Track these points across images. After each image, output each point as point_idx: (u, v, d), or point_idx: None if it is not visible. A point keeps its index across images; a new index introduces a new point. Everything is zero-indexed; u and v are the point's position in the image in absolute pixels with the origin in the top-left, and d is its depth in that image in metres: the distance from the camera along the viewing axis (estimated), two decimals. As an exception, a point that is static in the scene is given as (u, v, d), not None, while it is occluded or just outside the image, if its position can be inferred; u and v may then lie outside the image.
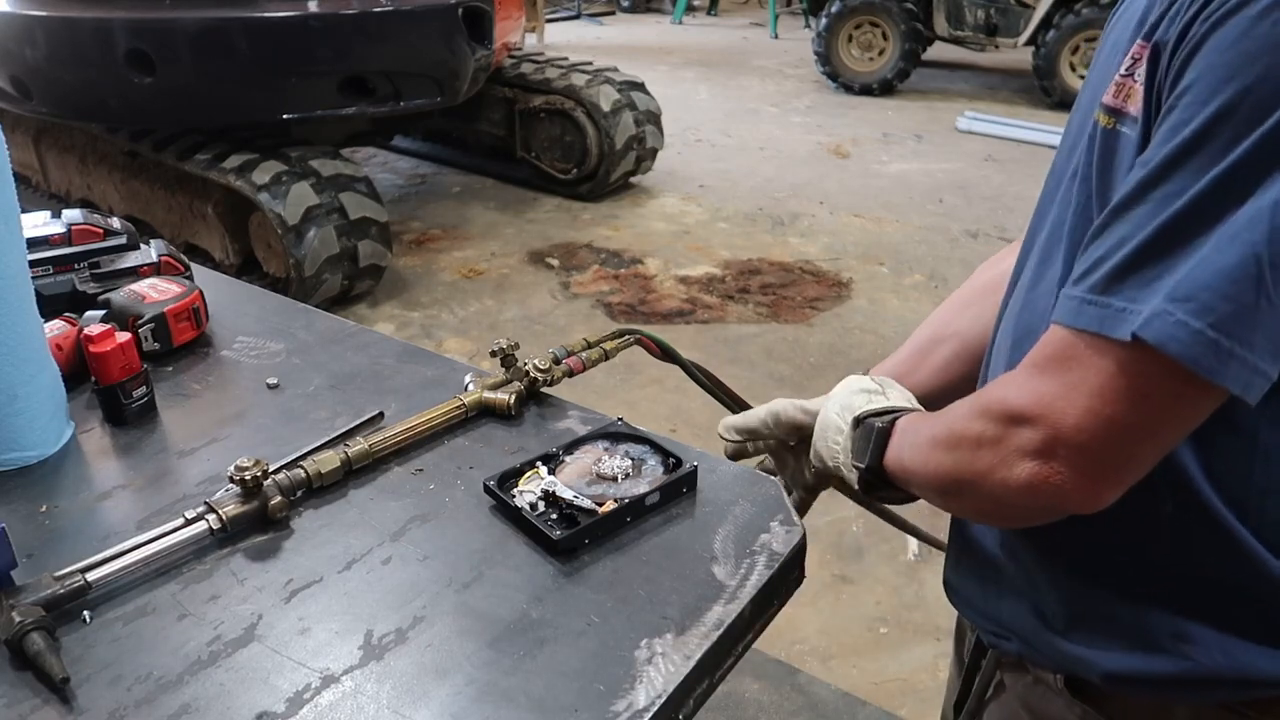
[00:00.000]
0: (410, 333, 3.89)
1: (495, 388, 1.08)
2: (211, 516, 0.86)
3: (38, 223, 1.32)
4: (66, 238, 1.31)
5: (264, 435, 1.05)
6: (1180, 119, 0.60)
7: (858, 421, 0.89)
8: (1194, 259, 0.58)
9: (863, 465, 0.86)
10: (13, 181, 0.97)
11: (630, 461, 0.96)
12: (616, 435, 1.01)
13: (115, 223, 1.39)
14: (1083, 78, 7.65)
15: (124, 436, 1.05)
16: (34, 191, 5.13)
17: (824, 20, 8.02)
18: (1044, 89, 7.36)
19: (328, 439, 0.99)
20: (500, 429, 1.06)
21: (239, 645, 0.76)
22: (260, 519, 0.88)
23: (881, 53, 7.98)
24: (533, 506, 0.89)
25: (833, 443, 0.92)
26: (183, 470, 0.99)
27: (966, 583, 0.93)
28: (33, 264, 1.07)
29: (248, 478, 0.86)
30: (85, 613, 0.78)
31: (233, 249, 4.15)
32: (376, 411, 1.06)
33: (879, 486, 0.87)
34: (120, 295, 1.21)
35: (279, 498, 0.88)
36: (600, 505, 0.89)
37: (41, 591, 0.76)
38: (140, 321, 1.17)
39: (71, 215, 1.35)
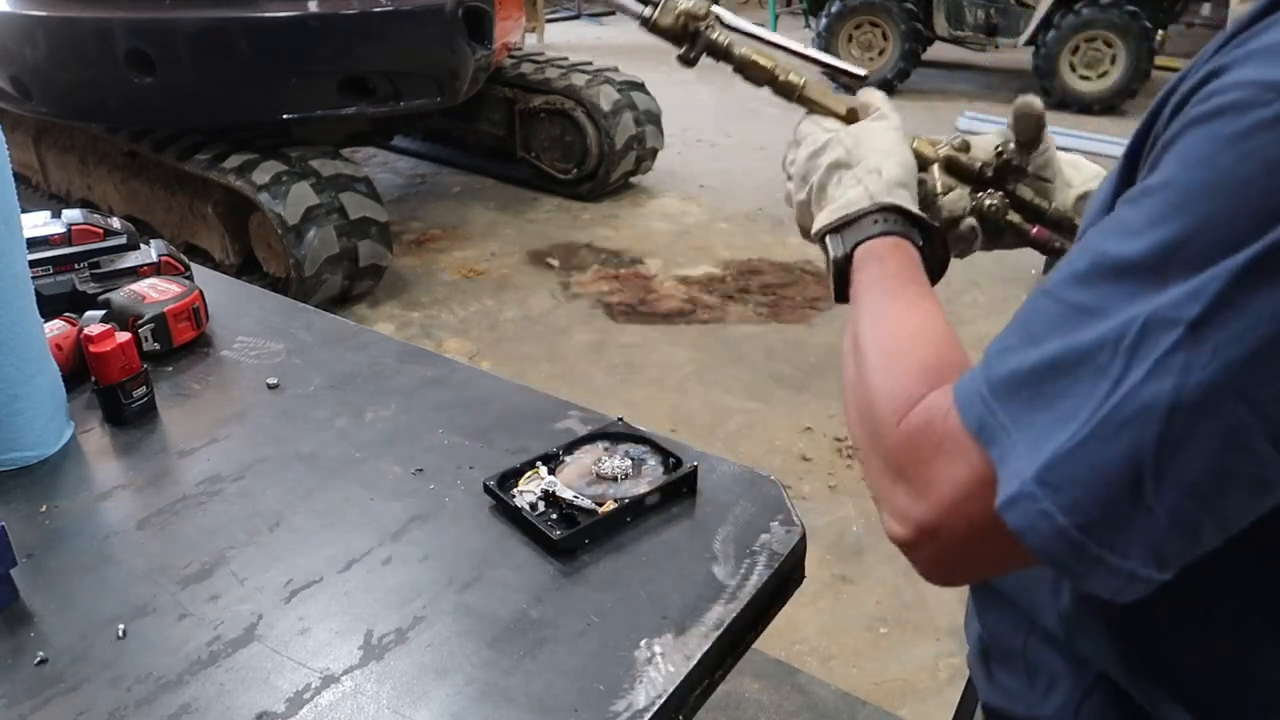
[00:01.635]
0: (410, 333, 3.89)
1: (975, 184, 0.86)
2: None
3: (38, 223, 1.32)
4: (66, 238, 1.31)
5: (264, 435, 1.05)
6: (1142, 215, 0.50)
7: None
8: (1077, 422, 0.49)
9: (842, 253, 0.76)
10: (13, 181, 0.97)
11: (630, 461, 0.96)
12: (616, 435, 1.01)
13: (115, 223, 1.39)
14: (1084, 78, 7.44)
15: (124, 436, 1.06)
16: (34, 191, 5.13)
17: (824, 20, 8.01)
18: (1044, 89, 7.34)
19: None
20: (500, 429, 1.06)
21: (239, 645, 0.76)
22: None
23: (881, 53, 7.97)
24: (533, 506, 0.89)
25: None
26: (183, 470, 0.99)
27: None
28: (33, 264, 1.07)
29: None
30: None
31: (233, 249, 4.15)
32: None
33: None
34: (120, 295, 1.21)
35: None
36: (600, 505, 0.89)
37: None
38: (140, 321, 1.17)
39: (71, 215, 1.36)
